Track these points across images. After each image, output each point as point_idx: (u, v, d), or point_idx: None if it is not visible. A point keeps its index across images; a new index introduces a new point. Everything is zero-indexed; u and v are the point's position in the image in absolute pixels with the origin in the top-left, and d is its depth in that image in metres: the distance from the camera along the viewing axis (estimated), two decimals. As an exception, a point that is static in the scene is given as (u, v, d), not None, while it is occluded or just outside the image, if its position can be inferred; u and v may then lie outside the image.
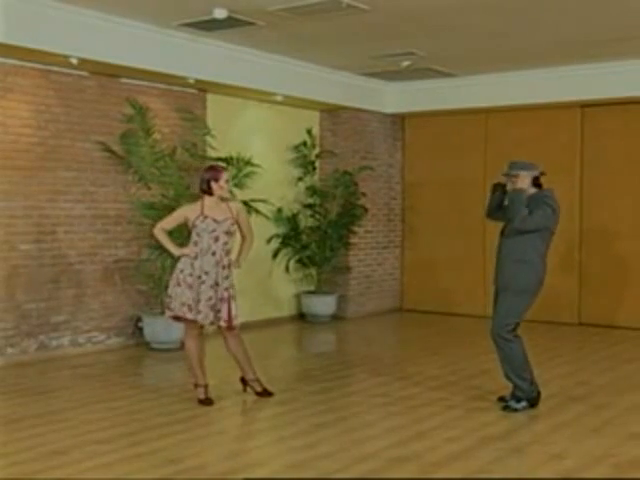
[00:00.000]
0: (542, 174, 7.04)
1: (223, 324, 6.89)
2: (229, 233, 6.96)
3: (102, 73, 9.34)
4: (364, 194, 12.44)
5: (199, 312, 6.81)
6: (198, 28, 9.14)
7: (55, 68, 8.93)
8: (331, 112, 12.57)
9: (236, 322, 6.94)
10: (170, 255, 7.82)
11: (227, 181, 7.01)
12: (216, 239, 6.87)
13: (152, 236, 9.50)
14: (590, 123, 11.94)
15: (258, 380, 7.21)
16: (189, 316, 6.82)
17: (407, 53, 10.55)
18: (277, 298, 11.95)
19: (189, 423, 6.40)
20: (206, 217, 6.86)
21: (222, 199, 7.00)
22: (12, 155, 8.64)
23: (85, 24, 8.54)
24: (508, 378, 6.84)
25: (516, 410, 6.75)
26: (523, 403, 6.80)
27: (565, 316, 12.07)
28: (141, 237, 9.77)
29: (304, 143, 12.17)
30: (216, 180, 6.89)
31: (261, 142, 11.53)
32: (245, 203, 9.64)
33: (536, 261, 6.83)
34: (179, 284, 6.88)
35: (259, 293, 11.55)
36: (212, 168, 7.09)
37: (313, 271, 12.47)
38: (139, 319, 9.78)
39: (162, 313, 9.55)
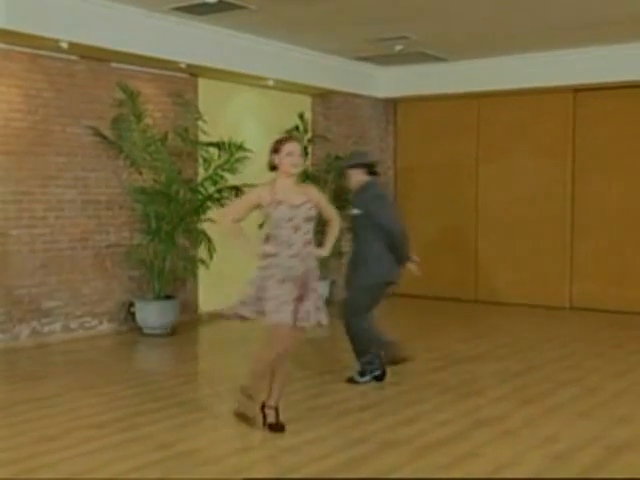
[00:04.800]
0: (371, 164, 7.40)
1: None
2: (309, 219, 5.72)
3: (92, 57, 9.33)
4: (356, 179, 12.43)
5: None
6: (189, 12, 9.16)
7: (45, 52, 8.92)
8: (323, 97, 12.59)
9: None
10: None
11: (291, 154, 5.65)
12: (296, 229, 5.65)
13: (142, 221, 9.64)
14: (582, 107, 11.98)
15: (276, 409, 5.90)
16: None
17: (400, 37, 10.59)
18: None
19: (181, 408, 6.40)
20: (280, 202, 5.60)
21: (288, 177, 5.71)
22: (2, 140, 8.64)
23: (75, 7, 8.54)
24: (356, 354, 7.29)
25: (358, 383, 7.18)
26: (366, 377, 7.22)
27: (556, 300, 12.14)
28: (133, 222, 9.81)
29: (296, 128, 12.11)
30: (276, 152, 5.69)
31: (253, 127, 11.52)
32: (237, 188, 9.65)
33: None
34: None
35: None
36: (277, 140, 5.79)
37: (306, 256, 12.48)
38: (131, 304, 9.80)
39: (154, 298, 9.62)
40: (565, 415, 6.28)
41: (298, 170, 5.76)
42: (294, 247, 5.61)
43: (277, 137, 5.89)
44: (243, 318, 5.70)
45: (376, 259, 7.18)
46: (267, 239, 5.71)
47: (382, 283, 7.32)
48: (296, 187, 5.75)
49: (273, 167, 5.70)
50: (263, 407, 5.84)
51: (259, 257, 5.67)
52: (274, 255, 5.58)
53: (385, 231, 7.14)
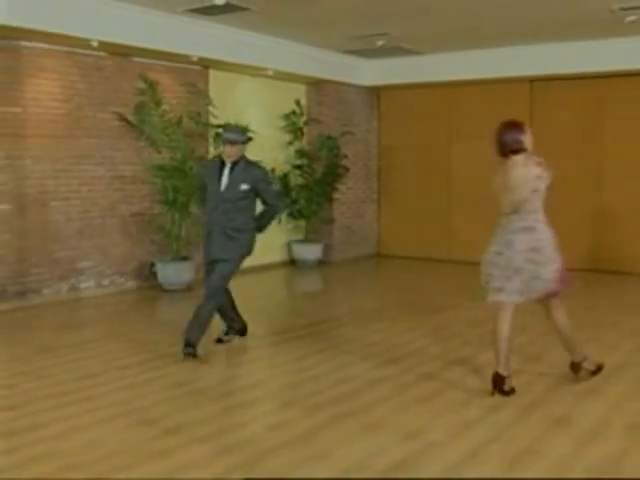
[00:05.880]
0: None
1: None
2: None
3: (118, 53, 9.40)
4: (346, 156, 12.59)
5: None
6: (200, 13, 9.20)
7: (78, 50, 9.01)
8: (316, 85, 12.63)
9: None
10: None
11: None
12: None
13: (161, 193, 9.73)
14: (538, 95, 12.09)
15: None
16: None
17: (381, 34, 10.62)
18: (271, 246, 12.02)
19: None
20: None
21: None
22: (43, 125, 8.76)
23: (103, 11, 8.63)
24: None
25: (222, 341, 6.90)
26: (231, 335, 6.97)
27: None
28: (153, 194, 9.91)
29: (293, 112, 12.28)
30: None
31: (256, 111, 11.63)
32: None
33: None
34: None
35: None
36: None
37: (302, 222, 12.71)
38: (153, 264, 9.94)
39: (172, 259, 9.81)
40: (521, 357, 6.53)
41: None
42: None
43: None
44: None
45: (252, 231, 6.52)
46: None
47: (250, 253, 6.59)
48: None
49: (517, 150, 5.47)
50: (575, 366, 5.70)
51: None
52: None
53: (267, 206, 6.58)
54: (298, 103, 12.26)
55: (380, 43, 11.16)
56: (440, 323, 7.88)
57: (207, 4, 8.73)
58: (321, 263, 12.57)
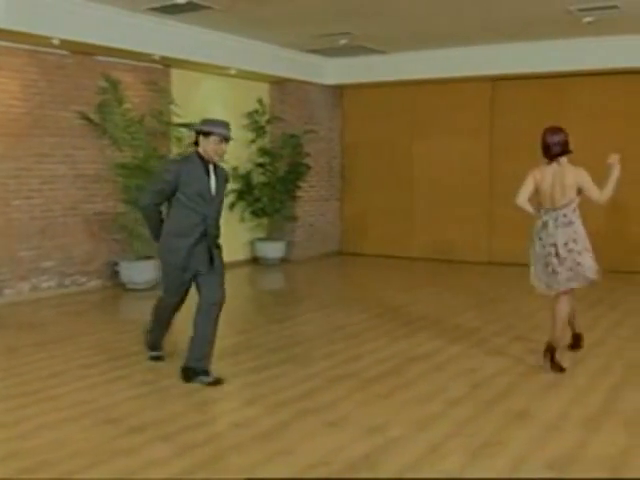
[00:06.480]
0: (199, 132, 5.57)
1: None
2: None
3: (80, 52, 9.34)
4: (308, 154, 12.64)
5: None
6: (163, 12, 9.18)
7: (40, 48, 8.94)
8: (279, 84, 12.65)
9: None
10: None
11: None
12: None
13: (124, 192, 9.66)
14: (499, 94, 12.25)
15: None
16: None
17: (344, 33, 10.67)
18: (234, 244, 11.99)
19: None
20: None
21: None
22: (4, 124, 8.69)
23: (65, 9, 8.57)
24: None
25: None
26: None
27: (477, 255, 12.56)
28: (116, 193, 9.84)
29: (256, 110, 12.30)
30: None
31: (219, 110, 11.57)
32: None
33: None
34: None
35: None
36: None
37: (265, 220, 12.72)
38: (116, 264, 9.90)
39: (136, 259, 9.78)
40: (484, 350, 6.63)
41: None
42: None
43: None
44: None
45: None
46: None
47: None
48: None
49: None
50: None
51: None
52: None
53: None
54: (261, 102, 12.29)
55: (343, 42, 11.22)
56: (400, 320, 7.95)
57: (169, 3, 8.71)
58: (284, 261, 12.60)
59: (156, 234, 5.73)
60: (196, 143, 5.58)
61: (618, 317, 8.13)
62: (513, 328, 7.52)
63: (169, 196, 5.55)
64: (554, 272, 5.93)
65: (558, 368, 5.90)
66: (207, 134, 5.46)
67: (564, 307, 6.00)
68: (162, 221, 5.68)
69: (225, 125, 5.55)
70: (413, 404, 5.17)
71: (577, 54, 11.05)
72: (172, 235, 5.56)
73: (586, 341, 6.71)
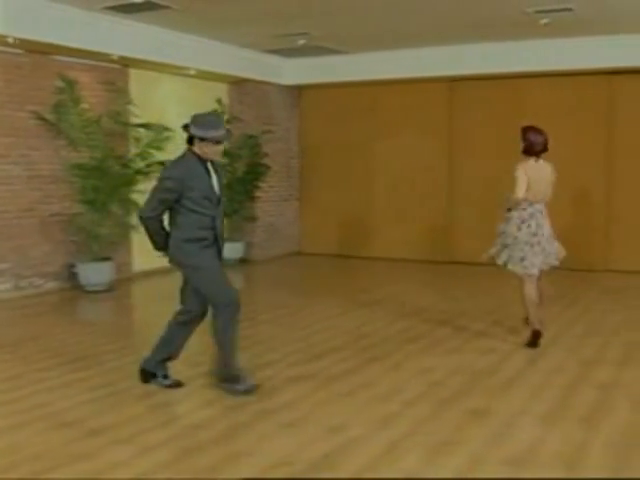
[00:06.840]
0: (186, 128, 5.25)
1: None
2: None
3: (36, 51, 9.24)
4: (267, 154, 12.62)
5: None
6: (120, 10, 9.11)
7: (-5, 47, 8.86)
8: (237, 84, 12.65)
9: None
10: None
11: None
12: None
13: (81, 193, 9.58)
14: (457, 95, 12.37)
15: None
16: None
17: (302, 33, 10.69)
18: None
19: (120, 352, 6.57)
20: None
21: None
22: (-44, 124, 8.59)
23: (21, 7, 8.47)
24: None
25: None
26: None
27: (439, 255, 12.65)
28: (73, 194, 9.75)
29: (215, 111, 12.26)
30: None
31: (177, 110, 11.46)
32: (163, 163, 9.71)
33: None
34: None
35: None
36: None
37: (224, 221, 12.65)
38: (73, 265, 9.81)
39: (93, 260, 9.69)
40: (439, 351, 6.70)
41: None
42: None
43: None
44: None
45: None
46: None
47: None
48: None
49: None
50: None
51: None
52: None
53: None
54: (220, 102, 12.21)
55: (301, 42, 11.25)
56: (361, 319, 8.00)
57: (126, 2, 8.65)
58: (243, 262, 12.58)
59: (159, 244, 5.36)
60: (190, 141, 5.22)
61: (575, 314, 8.27)
62: (472, 326, 7.60)
63: (172, 204, 5.19)
64: (544, 250, 6.66)
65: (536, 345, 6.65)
66: (202, 139, 5.14)
67: (531, 290, 6.68)
68: (164, 228, 5.32)
69: (219, 124, 5.19)
70: (372, 403, 5.20)
71: (533, 55, 11.21)
72: (184, 242, 5.23)
73: (543, 338, 6.80)
